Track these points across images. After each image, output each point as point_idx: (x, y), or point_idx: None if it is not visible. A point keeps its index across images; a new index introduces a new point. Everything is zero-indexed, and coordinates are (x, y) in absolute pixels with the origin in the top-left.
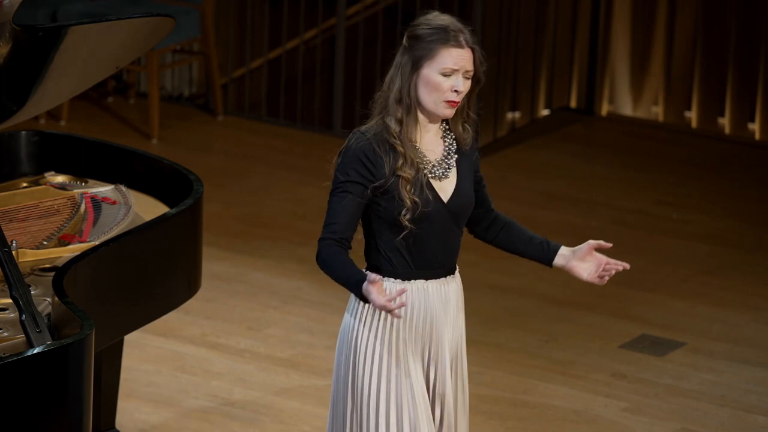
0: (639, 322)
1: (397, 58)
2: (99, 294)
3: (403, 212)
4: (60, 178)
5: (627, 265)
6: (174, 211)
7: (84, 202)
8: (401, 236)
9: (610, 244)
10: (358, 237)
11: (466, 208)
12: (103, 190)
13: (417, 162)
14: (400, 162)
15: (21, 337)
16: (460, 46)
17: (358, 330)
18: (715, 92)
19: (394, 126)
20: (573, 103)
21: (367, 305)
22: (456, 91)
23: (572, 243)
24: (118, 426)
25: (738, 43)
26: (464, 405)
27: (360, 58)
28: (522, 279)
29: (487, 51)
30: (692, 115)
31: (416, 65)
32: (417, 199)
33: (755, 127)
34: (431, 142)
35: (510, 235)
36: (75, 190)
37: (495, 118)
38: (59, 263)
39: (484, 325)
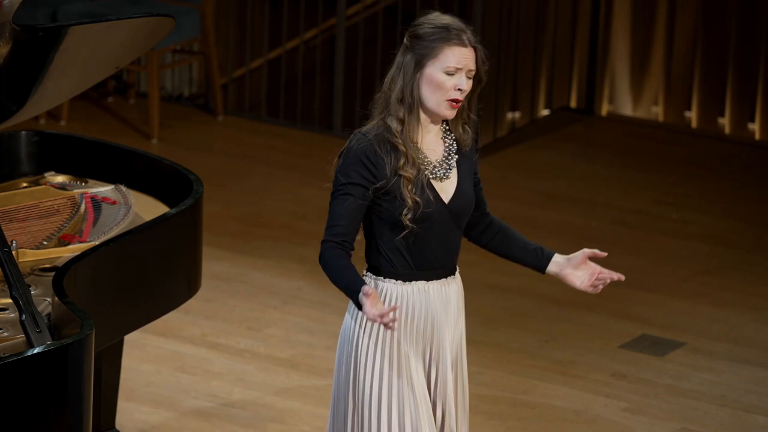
0: (639, 322)
1: (399, 58)
2: (99, 294)
3: (405, 212)
4: (60, 178)
5: (621, 277)
6: (174, 211)
7: (84, 202)
8: (402, 236)
9: (605, 254)
10: (358, 237)
11: (467, 209)
12: (103, 190)
13: (418, 162)
14: (402, 161)
15: (21, 337)
16: (463, 44)
17: (359, 331)
18: (715, 92)
19: (395, 126)
20: (573, 103)
21: None
22: (459, 89)
23: (572, 243)
24: (118, 426)
25: (738, 43)
26: (465, 406)
27: (360, 58)
28: (522, 279)
29: (487, 51)
30: (692, 115)
31: (419, 64)
32: (418, 199)
33: (755, 127)
34: (432, 143)
35: (505, 240)
36: (75, 190)
37: (495, 118)
38: (59, 263)
39: (484, 325)
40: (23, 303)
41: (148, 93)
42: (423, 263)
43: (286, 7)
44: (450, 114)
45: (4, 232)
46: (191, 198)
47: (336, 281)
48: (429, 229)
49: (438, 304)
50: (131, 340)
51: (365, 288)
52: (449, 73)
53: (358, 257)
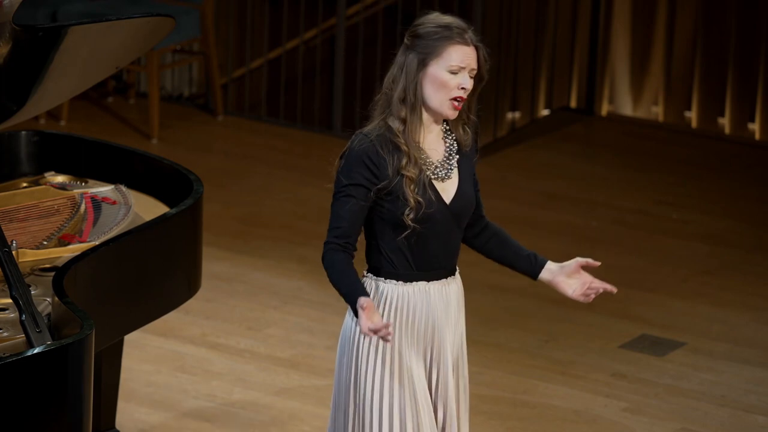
0: (639, 322)
1: (400, 58)
2: (99, 294)
3: (407, 212)
4: (60, 178)
5: (613, 289)
6: (174, 211)
7: (84, 202)
8: (404, 236)
9: (598, 263)
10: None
11: (468, 209)
12: (103, 190)
13: (420, 162)
14: (404, 161)
15: (21, 337)
16: (466, 43)
17: (359, 331)
18: (715, 92)
19: (398, 125)
20: (573, 103)
21: None
22: (463, 88)
23: (572, 243)
24: (118, 426)
25: (738, 43)
26: (466, 407)
27: (360, 58)
28: (522, 279)
29: (488, 49)
30: (692, 115)
31: (423, 63)
32: (421, 199)
33: (755, 127)
34: (433, 143)
35: (499, 244)
36: (75, 190)
37: (495, 118)
38: (59, 263)
39: (484, 325)
40: (23, 303)
41: (148, 93)
42: (424, 264)
43: (286, 7)
44: (452, 114)
45: (4, 232)
46: (191, 198)
47: (336, 285)
48: (430, 229)
49: (439, 304)
50: (131, 340)
51: (362, 301)
52: (453, 72)
53: (359, 258)
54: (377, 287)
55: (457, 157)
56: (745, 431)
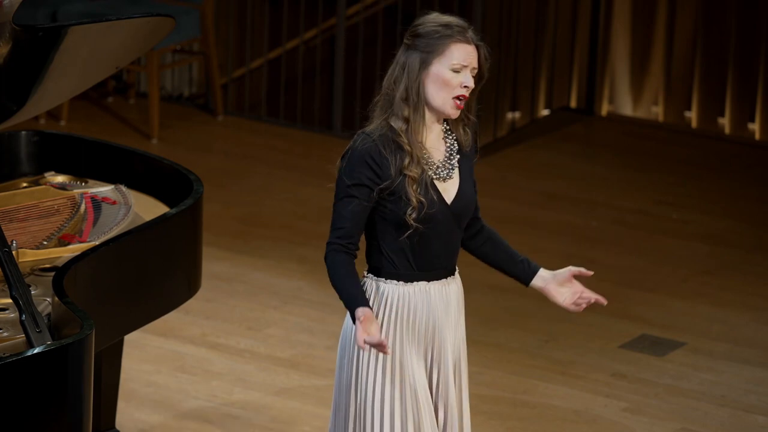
0: (639, 322)
1: (401, 58)
2: (99, 294)
3: (409, 211)
4: (60, 178)
5: (603, 301)
6: (174, 211)
7: (84, 202)
8: (406, 235)
9: (590, 272)
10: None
11: (468, 209)
12: (103, 190)
13: (422, 162)
14: (407, 161)
15: (21, 337)
16: (467, 42)
17: None
18: (715, 92)
19: (400, 125)
20: (573, 103)
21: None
22: (465, 86)
23: (572, 243)
24: (118, 426)
25: (738, 43)
26: (466, 407)
27: (360, 58)
28: None
29: (489, 48)
30: (692, 115)
31: (425, 62)
32: (423, 199)
33: (755, 127)
34: (435, 142)
35: (493, 248)
36: (75, 190)
37: (495, 118)
38: (59, 263)
39: (484, 325)
40: (23, 303)
41: (148, 93)
42: (425, 264)
43: (286, 7)
44: (455, 113)
45: (4, 232)
46: (191, 198)
47: (337, 288)
48: (432, 229)
49: (439, 304)
50: (131, 340)
51: (359, 312)
52: (455, 70)
53: (359, 258)
54: (378, 287)
55: (458, 156)
56: (745, 431)
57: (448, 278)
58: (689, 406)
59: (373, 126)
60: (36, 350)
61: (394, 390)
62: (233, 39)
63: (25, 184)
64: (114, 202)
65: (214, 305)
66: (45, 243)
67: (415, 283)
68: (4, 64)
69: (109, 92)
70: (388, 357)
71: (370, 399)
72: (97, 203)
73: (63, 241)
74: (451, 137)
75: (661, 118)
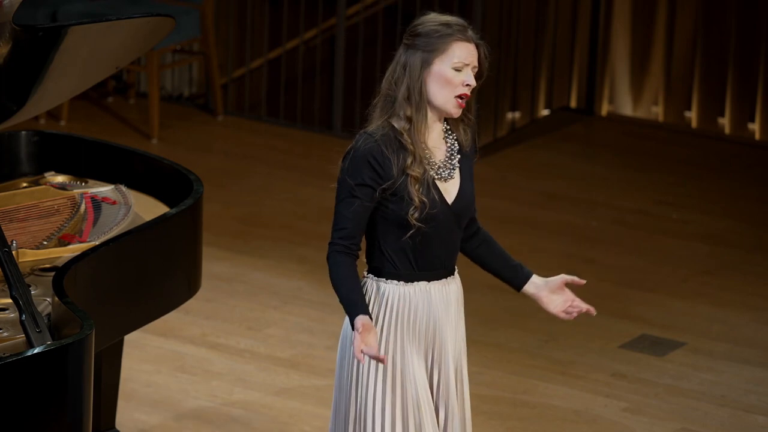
0: (639, 322)
1: (401, 58)
2: (99, 294)
3: (411, 211)
4: (60, 178)
5: (593, 311)
6: (174, 211)
7: (84, 202)
8: (408, 235)
9: (583, 281)
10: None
11: (469, 209)
12: (103, 190)
13: (425, 161)
14: (410, 160)
15: (21, 337)
16: (468, 40)
17: None
18: (715, 92)
19: (403, 124)
20: (573, 103)
21: (370, 305)
22: (467, 85)
23: (572, 243)
24: (118, 426)
25: (738, 43)
26: (467, 408)
27: (360, 58)
28: None
29: (489, 47)
30: (692, 115)
31: (426, 61)
32: (425, 199)
33: (755, 127)
34: (436, 142)
35: (488, 251)
36: (75, 190)
37: (495, 118)
38: (59, 263)
39: (484, 325)
40: (23, 303)
41: (148, 93)
42: (426, 264)
43: (286, 7)
44: (457, 112)
45: (4, 232)
46: (191, 198)
47: (337, 291)
48: (433, 229)
49: (440, 304)
50: (131, 340)
51: (358, 323)
52: (457, 68)
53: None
54: (378, 288)
55: (459, 156)
56: (745, 431)
57: (448, 278)
58: (689, 406)
59: (375, 126)
60: (36, 350)
61: (395, 390)
62: (233, 39)
63: (25, 184)
64: (114, 202)
65: (214, 305)
66: (45, 243)
67: (415, 283)
68: (4, 64)
69: (109, 92)
70: (389, 357)
71: (371, 399)
72: (97, 203)
73: (63, 241)
74: (451, 137)
75: (661, 118)
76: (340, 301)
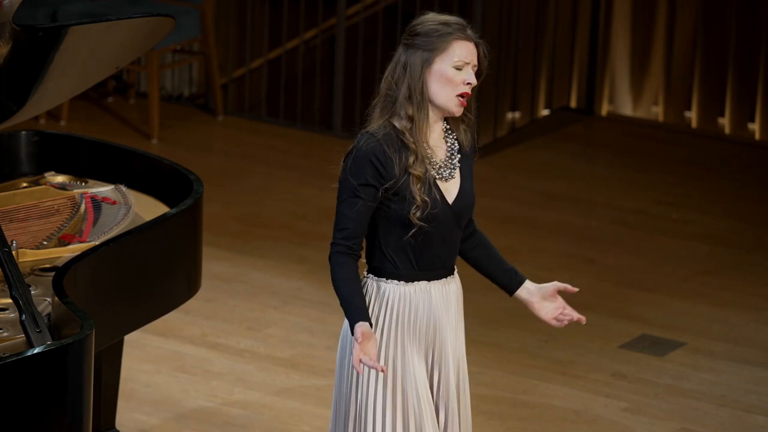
0: (639, 322)
1: (401, 57)
2: (99, 294)
3: (413, 210)
4: (60, 178)
5: (582, 319)
6: (174, 211)
7: (84, 202)
8: (410, 235)
9: (576, 289)
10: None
11: (469, 209)
12: (103, 190)
13: (426, 161)
14: (412, 159)
15: (21, 337)
16: (468, 39)
17: None
18: (715, 92)
19: (405, 124)
20: (573, 103)
21: (370, 305)
22: (468, 83)
23: (572, 243)
24: (118, 426)
25: (738, 43)
26: (467, 408)
27: (360, 58)
28: None
29: (488, 46)
30: (692, 115)
31: (427, 61)
32: (427, 198)
33: (755, 127)
34: (437, 141)
35: (483, 254)
36: (75, 190)
37: (495, 118)
38: (59, 263)
39: (484, 325)
40: (23, 303)
41: (148, 93)
42: (427, 263)
43: (286, 7)
44: (458, 111)
45: (4, 232)
46: (191, 198)
47: (338, 293)
48: (434, 229)
49: (440, 304)
50: (131, 340)
51: (358, 332)
52: (458, 67)
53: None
54: (378, 288)
55: (459, 156)
56: (745, 431)
57: (448, 278)
58: (689, 406)
59: (376, 126)
60: (36, 350)
61: (395, 390)
62: (233, 39)
63: (25, 184)
64: (114, 202)
65: (214, 305)
66: (45, 243)
67: (416, 282)
68: (4, 64)
69: (109, 92)
70: (390, 357)
71: (371, 399)
72: (97, 203)
73: (63, 241)
74: (451, 137)
75: (661, 118)
76: (341, 304)
